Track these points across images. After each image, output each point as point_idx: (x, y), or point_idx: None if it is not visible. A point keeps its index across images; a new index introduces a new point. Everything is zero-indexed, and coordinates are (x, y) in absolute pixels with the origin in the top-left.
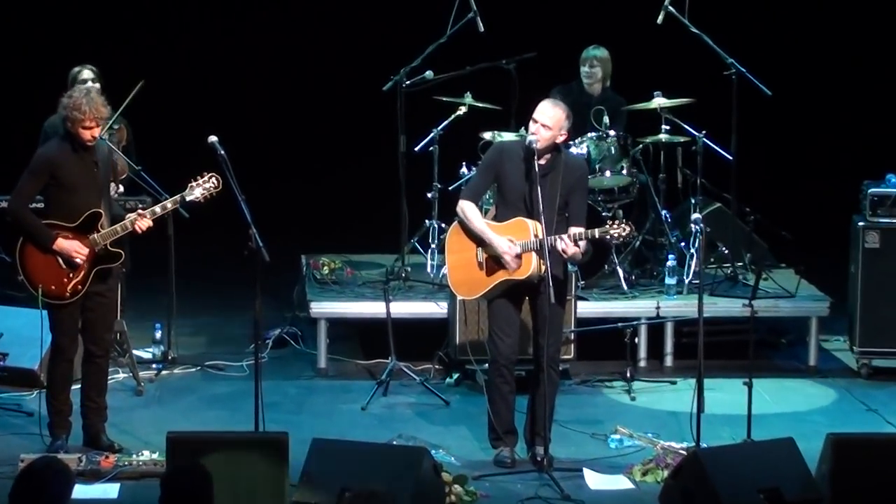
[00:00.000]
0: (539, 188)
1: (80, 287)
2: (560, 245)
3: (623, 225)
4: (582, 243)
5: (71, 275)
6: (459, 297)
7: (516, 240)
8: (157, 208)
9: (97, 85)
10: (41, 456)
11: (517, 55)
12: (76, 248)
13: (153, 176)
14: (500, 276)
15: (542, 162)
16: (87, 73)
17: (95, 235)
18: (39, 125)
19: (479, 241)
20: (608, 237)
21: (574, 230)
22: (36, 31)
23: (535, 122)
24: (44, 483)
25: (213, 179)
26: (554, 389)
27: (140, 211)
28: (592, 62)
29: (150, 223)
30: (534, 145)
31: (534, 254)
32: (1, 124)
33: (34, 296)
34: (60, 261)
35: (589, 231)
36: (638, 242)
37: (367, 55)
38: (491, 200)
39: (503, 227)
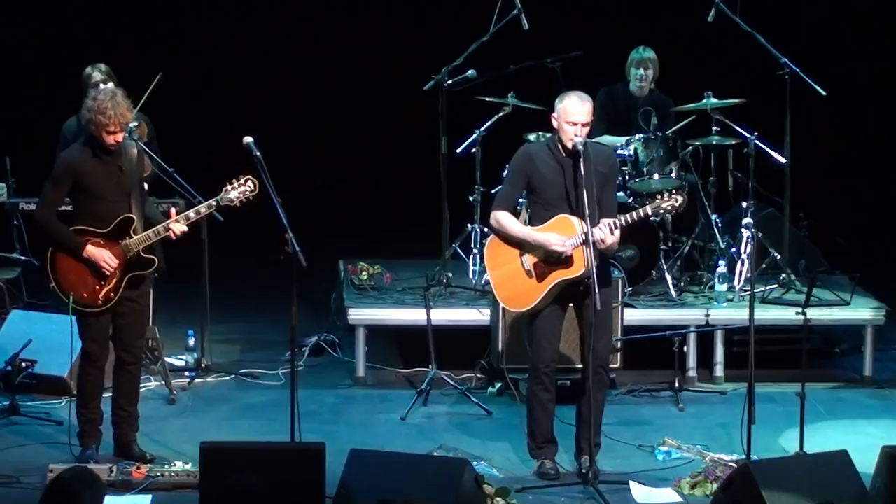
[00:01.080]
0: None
1: (112, 295)
2: (598, 235)
3: (675, 195)
4: (617, 232)
5: (103, 282)
6: (512, 310)
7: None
8: (192, 213)
9: (110, 85)
10: (71, 466)
11: (562, 54)
12: (106, 258)
13: (185, 177)
14: (555, 278)
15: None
16: (97, 76)
17: (128, 241)
18: (59, 126)
19: (522, 247)
20: (661, 211)
21: (610, 220)
22: (61, 29)
23: (575, 124)
24: (74, 494)
25: (250, 182)
26: (603, 393)
27: (174, 216)
28: (647, 64)
29: (185, 228)
30: (579, 147)
31: (583, 248)
32: (22, 125)
33: (65, 302)
34: (92, 268)
35: (641, 210)
36: (687, 248)
37: (408, 53)
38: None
39: (546, 227)
